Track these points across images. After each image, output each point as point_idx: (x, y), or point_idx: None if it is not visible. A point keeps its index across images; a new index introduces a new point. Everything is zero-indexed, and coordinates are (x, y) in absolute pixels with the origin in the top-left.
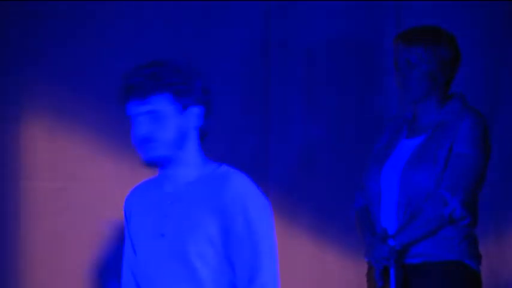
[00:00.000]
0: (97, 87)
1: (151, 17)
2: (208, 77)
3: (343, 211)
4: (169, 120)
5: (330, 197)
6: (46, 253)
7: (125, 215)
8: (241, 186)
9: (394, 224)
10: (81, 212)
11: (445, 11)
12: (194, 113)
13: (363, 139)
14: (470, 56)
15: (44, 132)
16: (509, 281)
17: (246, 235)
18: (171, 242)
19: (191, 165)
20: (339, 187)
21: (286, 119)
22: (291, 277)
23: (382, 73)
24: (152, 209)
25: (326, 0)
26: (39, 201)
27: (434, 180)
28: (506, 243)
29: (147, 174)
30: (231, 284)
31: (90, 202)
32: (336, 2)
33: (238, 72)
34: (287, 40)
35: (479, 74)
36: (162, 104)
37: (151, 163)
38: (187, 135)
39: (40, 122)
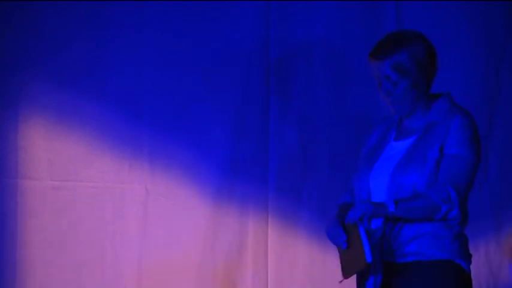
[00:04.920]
0: (96, 86)
1: (151, 16)
2: (208, 76)
3: None
4: None
5: (330, 197)
6: (44, 252)
7: None
8: None
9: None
10: (79, 211)
11: (445, 11)
12: None
13: (363, 139)
14: (470, 56)
15: (42, 131)
16: (509, 281)
17: None
18: None
19: None
20: (339, 187)
21: (286, 118)
22: (291, 277)
23: None
24: None
25: (325, 0)
26: (37, 200)
27: (424, 181)
28: (506, 243)
29: (146, 174)
30: None
31: (89, 201)
32: (336, 1)
33: (237, 72)
34: (287, 40)
35: (479, 74)
36: None
37: None
38: None
39: (38, 121)
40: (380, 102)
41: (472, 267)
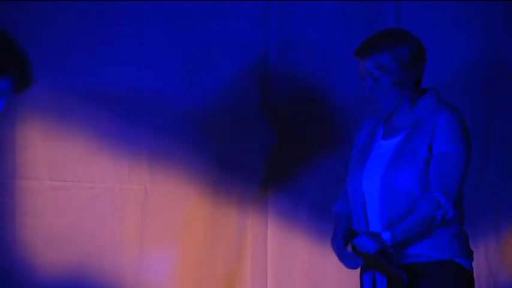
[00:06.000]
0: (96, 86)
1: (151, 16)
2: (208, 76)
3: None
4: None
5: (330, 197)
6: (44, 252)
7: None
8: None
9: (378, 226)
10: (79, 211)
11: (445, 11)
12: None
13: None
14: (470, 56)
15: (41, 132)
16: (509, 281)
17: None
18: None
19: None
20: (339, 187)
21: (286, 118)
22: (291, 277)
23: None
24: None
25: (326, 0)
26: (36, 200)
27: (415, 179)
28: (506, 243)
29: (146, 174)
30: None
31: (89, 201)
32: (336, 2)
33: (238, 71)
34: (287, 40)
35: (479, 74)
36: None
37: None
38: None
39: (37, 121)
40: None
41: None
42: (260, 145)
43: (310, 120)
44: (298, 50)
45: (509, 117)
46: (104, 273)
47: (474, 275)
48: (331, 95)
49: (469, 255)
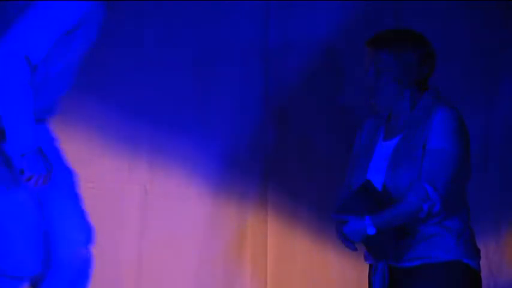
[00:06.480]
0: (95, 86)
1: (151, 16)
2: (207, 76)
3: None
4: None
5: (330, 197)
6: None
7: None
8: None
9: None
10: None
11: (445, 11)
12: None
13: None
14: (470, 56)
15: None
16: (509, 281)
17: None
18: None
19: None
20: (339, 187)
21: (286, 118)
22: (291, 277)
23: None
24: None
25: (325, 0)
26: None
27: (415, 178)
28: (506, 243)
29: (145, 174)
30: None
31: (88, 201)
32: (335, 2)
33: (237, 71)
34: (287, 39)
35: (479, 74)
36: None
37: None
38: None
39: None
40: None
41: None
42: (260, 144)
43: (310, 120)
44: (298, 50)
45: (509, 117)
46: (104, 273)
47: None
48: (331, 95)
49: (477, 255)
